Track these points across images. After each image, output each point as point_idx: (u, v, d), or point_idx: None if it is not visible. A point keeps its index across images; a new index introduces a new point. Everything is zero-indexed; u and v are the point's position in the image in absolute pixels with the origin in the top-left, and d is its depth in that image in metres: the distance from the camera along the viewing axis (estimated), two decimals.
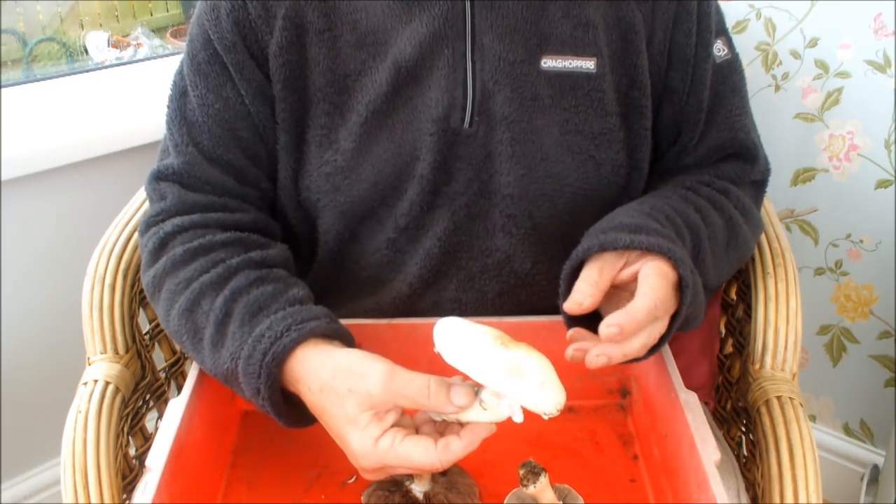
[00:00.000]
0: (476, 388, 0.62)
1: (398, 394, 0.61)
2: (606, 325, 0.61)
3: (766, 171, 0.90)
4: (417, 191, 0.80)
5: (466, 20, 0.78)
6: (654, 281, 0.64)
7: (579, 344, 0.64)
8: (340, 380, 0.63)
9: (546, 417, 0.59)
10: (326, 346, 0.67)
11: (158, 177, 0.83)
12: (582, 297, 0.64)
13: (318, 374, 0.65)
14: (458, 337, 0.61)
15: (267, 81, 0.81)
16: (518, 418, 0.61)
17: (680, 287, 0.67)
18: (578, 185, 0.81)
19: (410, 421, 0.65)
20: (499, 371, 0.59)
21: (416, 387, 0.61)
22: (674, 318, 0.67)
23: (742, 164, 0.87)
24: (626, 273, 0.68)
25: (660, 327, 0.65)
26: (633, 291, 0.65)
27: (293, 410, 0.69)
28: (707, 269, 0.76)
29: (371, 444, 0.61)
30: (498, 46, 0.78)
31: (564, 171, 0.80)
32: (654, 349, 0.67)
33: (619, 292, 0.69)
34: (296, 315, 0.69)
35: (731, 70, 0.86)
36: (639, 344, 0.63)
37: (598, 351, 0.62)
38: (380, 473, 0.65)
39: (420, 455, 0.60)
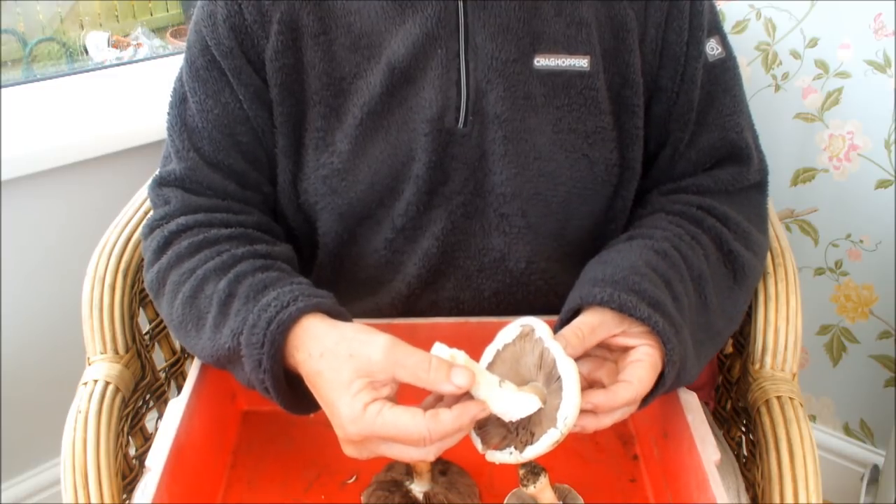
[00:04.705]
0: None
1: (398, 364, 0.60)
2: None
3: (762, 172, 0.88)
4: (414, 191, 0.80)
5: (459, 20, 0.78)
6: (643, 373, 0.64)
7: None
8: (343, 345, 0.62)
9: (563, 421, 0.59)
10: (331, 319, 0.67)
11: (161, 182, 0.83)
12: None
13: (322, 340, 0.64)
14: None
15: (264, 86, 0.81)
16: (516, 414, 0.60)
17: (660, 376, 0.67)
18: (572, 184, 0.81)
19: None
20: (562, 351, 0.61)
21: (417, 359, 0.60)
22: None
23: (737, 167, 0.85)
24: (619, 342, 0.67)
25: (633, 408, 0.66)
26: (615, 360, 0.67)
27: (293, 392, 0.68)
28: (713, 315, 0.75)
29: (360, 409, 0.60)
30: (490, 45, 0.78)
31: (557, 169, 0.80)
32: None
33: (602, 351, 0.69)
34: (303, 290, 0.68)
35: (724, 69, 0.84)
36: (609, 421, 0.64)
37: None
38: (363, 449, 0.63)
39: (407, 421, 0.58)
